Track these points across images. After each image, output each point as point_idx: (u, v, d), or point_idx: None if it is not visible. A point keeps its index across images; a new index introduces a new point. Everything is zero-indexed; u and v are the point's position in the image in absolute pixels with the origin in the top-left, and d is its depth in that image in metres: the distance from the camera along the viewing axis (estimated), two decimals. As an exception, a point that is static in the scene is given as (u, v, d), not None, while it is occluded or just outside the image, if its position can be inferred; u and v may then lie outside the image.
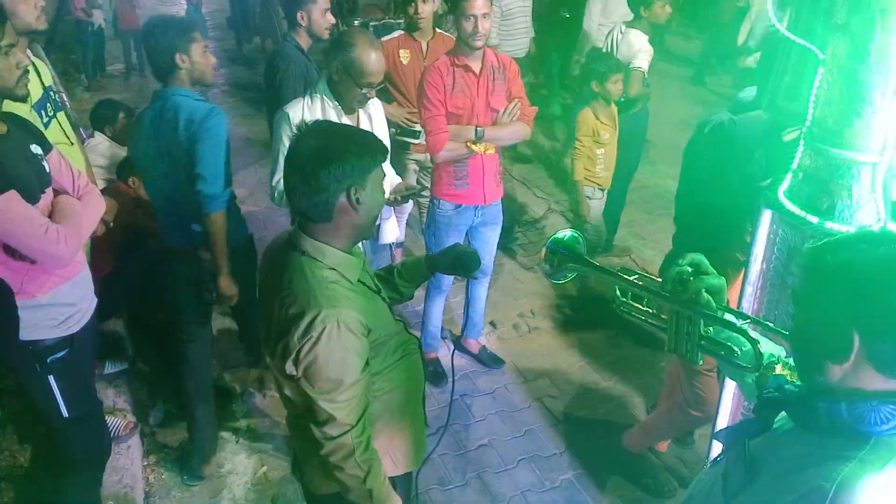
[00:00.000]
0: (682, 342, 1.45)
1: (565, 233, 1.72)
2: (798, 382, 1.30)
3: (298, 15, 3.69)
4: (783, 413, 1.27)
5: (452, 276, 3.73)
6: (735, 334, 1.41)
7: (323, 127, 1.85)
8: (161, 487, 3.21)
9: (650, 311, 1.58)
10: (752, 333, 1.40)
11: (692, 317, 1.43)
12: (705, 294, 1.40)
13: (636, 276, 1.58)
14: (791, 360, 1.36)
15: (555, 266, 1.71)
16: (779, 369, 1.35)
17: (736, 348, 1.41)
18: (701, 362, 1.48)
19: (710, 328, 1.45)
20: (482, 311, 4.01)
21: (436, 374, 3.86)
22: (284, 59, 3.65)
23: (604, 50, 4.90)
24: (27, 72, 2.12)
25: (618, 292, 1.61)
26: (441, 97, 3.29)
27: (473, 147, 3.35)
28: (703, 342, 1.44)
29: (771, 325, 1.45)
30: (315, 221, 1.76)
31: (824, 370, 1.16)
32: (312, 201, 1.72)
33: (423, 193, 4.59)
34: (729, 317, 1.43)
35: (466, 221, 3.59)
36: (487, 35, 3.24)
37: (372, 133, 1.88)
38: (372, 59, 2.78)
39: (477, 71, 3.31)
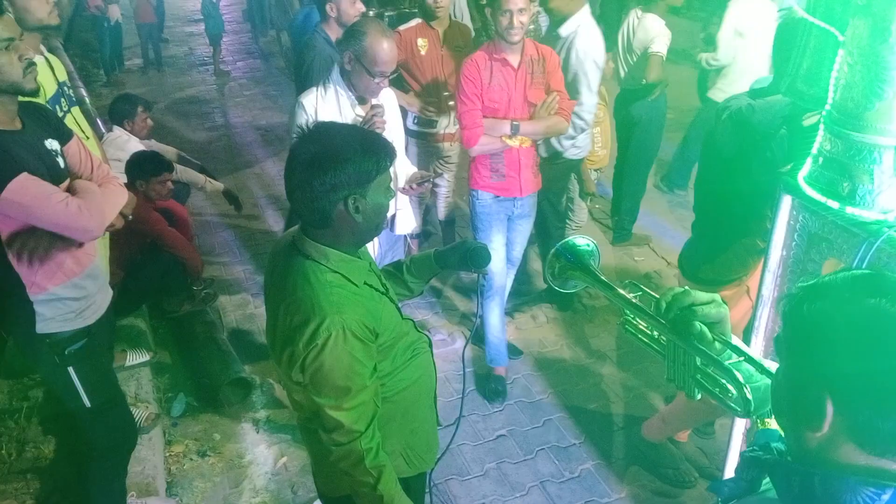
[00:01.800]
0: (679, 373, 1.31)
1: (580, 241, 1.59)
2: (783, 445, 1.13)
3: (328, 7, 3.72)
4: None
5: (505, 280, 3.70)
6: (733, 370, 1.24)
7: (325, 131, 1.76)
8: (183, 478, 3.24)
9: (653, 335, 1.42)
10: (740, 375, 1.23)
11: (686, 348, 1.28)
12: (698, 324, 1.24)
13: (639, 294, 1.45)
14: None
15: (556, 273, 1.60)
16: (772, 423, 1.20)
17: (730, 388, 1.23)
18: (698, 397, 1.32)
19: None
20: (504, 303, 3.96)
21: (495, 391, 3.73)
22: (311, 50, 3.68)
23: (620, 35, 4.85)
24: (33, 64, 2.11)
25: (627, 310, 1.46)
26: (477, 91, 3.26)
27: (508, 141, 3.32)
28: (698, 376, 1.28)
29: (766, 366, 1.26)
30: (314, 226, 1.73)
31: (801, 437, 1.00)
32: (308, 207, 1.68)
33: (438, 182, 4.61)
34: (733, 360, 1.26)
35: (507, 211, 3.56)
36: (525, 30, 3.19)
37: (380, 136, 1.81)
38: (384, 47, 2.75)
39: (515, 65, 3.26)
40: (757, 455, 1.09)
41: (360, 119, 2.85)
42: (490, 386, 3.74)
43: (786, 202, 2.07)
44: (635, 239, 5.20)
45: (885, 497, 0.93)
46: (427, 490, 2.19)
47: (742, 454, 1.13)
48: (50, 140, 2.23)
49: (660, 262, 4.99)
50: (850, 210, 1.87)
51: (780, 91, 2.39)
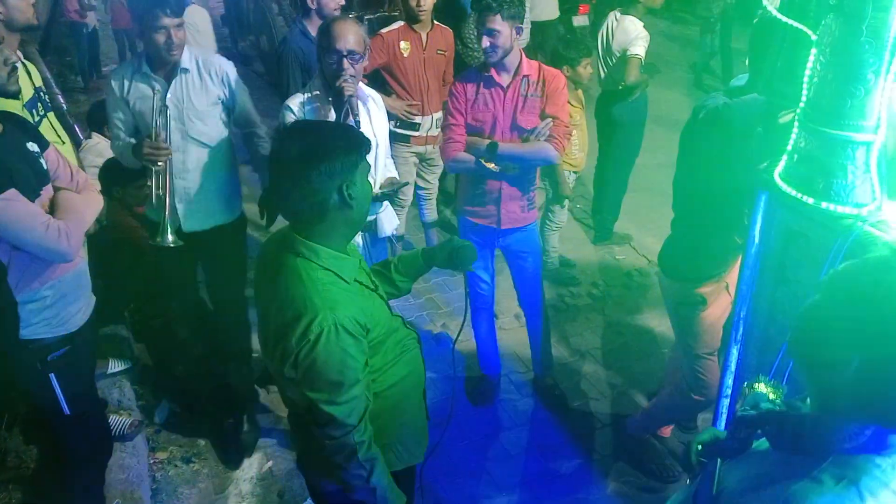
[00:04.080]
0: None
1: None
2: (778, 400, 1.29)
3: (309, 0, 3.76)
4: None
5: (491, 301, 3.61)
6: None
7: (304, 127, 1.84)
8: (168, 485, 3.22)
9: None
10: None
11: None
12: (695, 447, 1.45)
13: None
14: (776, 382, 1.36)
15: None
16: (761, 387, 1.33)
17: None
18: None
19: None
20: (546, 347, 3.73)
21: (483, 395, 3.71)
22: (284, 44, 3.82)
23: (600, 37, 4.89)
24: (16, 68, 2.15)
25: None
26: (461, 107, 3.13)
27: (486, 164, 3.08)
28: None
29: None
30: (309, 223, 1.75)
31: (814, 374, 1.13)
32: (306, 203, 1.71)
33: (421, 185, 4.62)
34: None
35: (489, 242, 3.37)
36: (505, 51, 2.99)
37: (352, 126, 1.87)
38: (338, 24, 2.80)
39: (504, 84, 3.09)
40: (749, 414, 1.22)
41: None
42: (479, 389, 3.74)
43: (762, 198, 2.10)
44: (616, 238, 5.25)
45: (868, 432, 1.07)
46: (417, 483, 2.21)
47: (735, 415, 1.27)
48: (30, 143, 2.25)
49: (641, 260, 5.03)
50: (825, 205, 1.91)
51: (756, 90, 2.43)
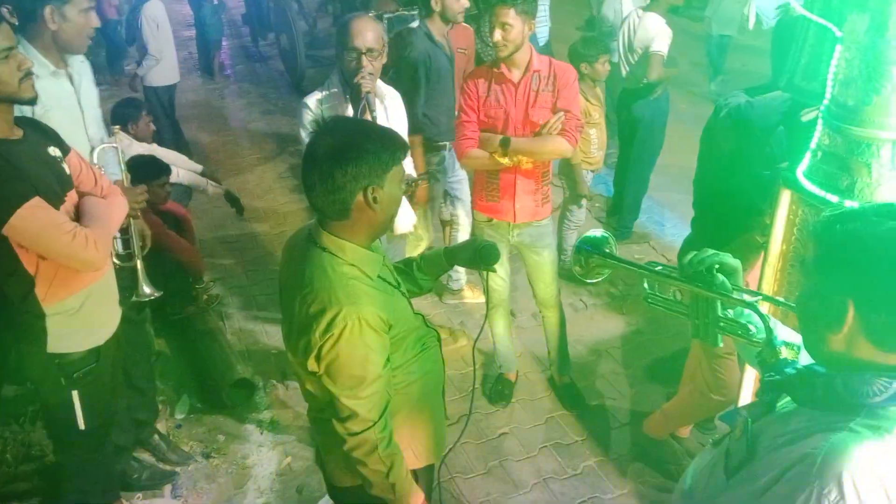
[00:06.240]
0: (702, 326, 1.48)
1: (594, 233, 1.72)
2: (800, 365, 1.33)
3: (432, 1, 3.79)
4: (788, 399, 1.29)
5: (507, 297, 3.59)
6: (751, 313, 1.43)
7: (342, 124, 1.83)
8: (188, 479, 3.26)
9: (675, 300, 1.61)
10: (765, 309, 1.42)
11: (709, 300, 1.45)
12: (720, 276, 1.44)
13: (661, 267, 1.62)
14: (796, 344, 1.40)
15: (585, 266, 1.73)
16: (784, 352, 1.37)
17: (751, 327, 1.44)
18: (721, 344, 1.49)
19: (730, 311, 1.47)
20: (562, 344, 3.71)
21: (501, 393, 3.70)
22: (409, 47, 3.81)
23: (621, 34, 4.87)
24: (30, 74, 2.10)
25: (646, 285, 1.63)
26: (473, 104, 3.14)
27: (500, 159, 3.08)
28: (721, 324, 1.46)
29: (781, 300, 1.51)
30: (332, 219, 1.76)
31: (823, 340, 1.21)
32: (329, 199, 1.71)
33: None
34: (745, 297, 1.44)
35: (504, 237, 3.35)
36: (516, 46, 2.99)
37: (392, 130, 1.87)
38: (356, 21, 2.80)
39: (515, 80, 3.08)
40: (776, 378, 1.29)
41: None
42: (497, 388, 3.73)
43: (785, 197, 2.09)
44: (635, 237, 5.22)
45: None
46: (435, 483, 2.21)
47: (762, 380, 1.33)
48: (52, 147, 2.21)
49: (660, 259, 5.00)
50: (849, 203, 1.89)
51: (778, 87, 2.42)
